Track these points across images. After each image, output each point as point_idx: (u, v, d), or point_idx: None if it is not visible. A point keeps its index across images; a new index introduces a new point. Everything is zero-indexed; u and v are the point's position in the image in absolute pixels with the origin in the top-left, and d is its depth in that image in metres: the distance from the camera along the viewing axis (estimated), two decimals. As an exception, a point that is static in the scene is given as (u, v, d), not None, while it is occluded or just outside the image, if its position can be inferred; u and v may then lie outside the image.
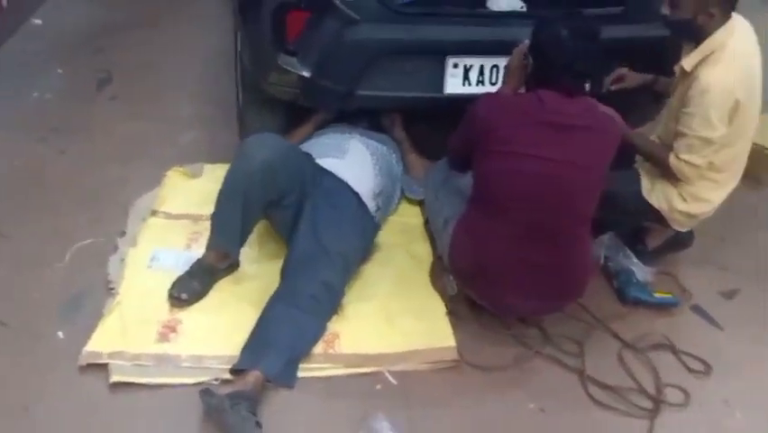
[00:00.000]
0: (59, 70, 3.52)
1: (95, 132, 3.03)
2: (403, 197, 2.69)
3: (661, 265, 2.48)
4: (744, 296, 2.44)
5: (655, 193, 2.26)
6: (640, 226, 2.52)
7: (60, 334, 2.02)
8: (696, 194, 2.21)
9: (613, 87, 2.36)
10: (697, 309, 2.36)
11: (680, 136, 2.13)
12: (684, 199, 2.22)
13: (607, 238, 2.49)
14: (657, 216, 2.30)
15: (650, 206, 2.27)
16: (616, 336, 2.21)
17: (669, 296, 2.34)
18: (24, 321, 2.05)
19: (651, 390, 2.03)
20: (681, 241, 2.47)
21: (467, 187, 2.11)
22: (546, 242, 1.97)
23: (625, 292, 2.34)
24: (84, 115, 3.15)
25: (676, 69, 2.19)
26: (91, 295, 2.15)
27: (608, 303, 2.34)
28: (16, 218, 2.46)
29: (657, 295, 2.34)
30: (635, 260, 2.43)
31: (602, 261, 2.45)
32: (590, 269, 2.12)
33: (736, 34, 2.09)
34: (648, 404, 1.99)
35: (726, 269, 2.54)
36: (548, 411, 1.95)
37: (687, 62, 2.12)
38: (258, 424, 1.71)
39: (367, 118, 2.71)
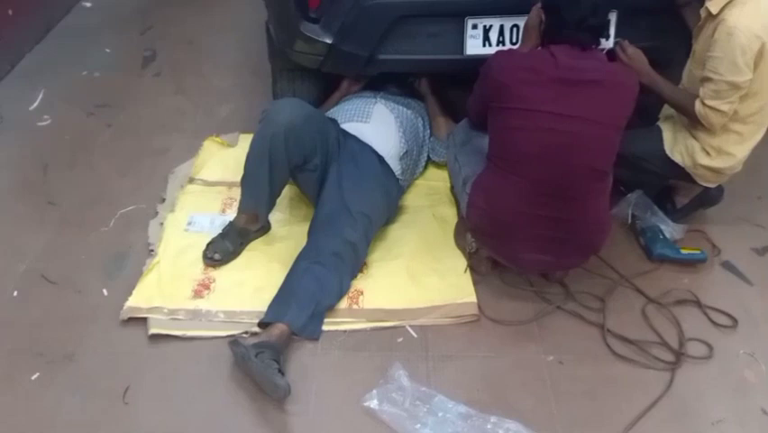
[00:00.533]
0: (107, 49, 3.69)
1: (139, 106, 3.18)
2: (430, 160, 2.72)
3: (691, 223, 2.45)
4: (778, 252, 2.39)
5: (678, 149, 2.23)
6: (667, 185, 2.48)
7: (105, 291, 2.17)
8: (719, 147, 2.17)
9: None
10: (727, 265, 2.33)
11: (706, 81, 2.08)
12: (708, 153, 2.18)
13: (634, 196, 2.48)
14: (682, 173, 2.27)
15: (674, 162, 2.25)
16: (640, 291, 2.21)
17: (697, 252, 2.32)
18: (72, 280, 2.21)
19: (673, 343, 2.03)
20: (709, 197, 2.42)
21: (486, 147, 2.14)
22: (560, 197, 1.98)
23: (651, 249, 2.33)
24: (129, 90, 3.31)
25: (702, 11, 2.13)
26: (133, 256, 2.30)
27: (635, 260, 2.34)
28: (65, 187, 2.63)
29: (684, 251, 2.31)
30: (663, 216, 2.40)
31: (629, 219, 2.44)
32: (607, 225, 2.11)
33: None
34: (670, 357, 1.99)
35: (762, 226, 2.49)
36: (566, 363, 1.98)
37: (713, 4, 2.07)
38: (280, 371, 1.81)
39: (394, 83, 2.74)
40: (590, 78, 1.93)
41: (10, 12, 3.40)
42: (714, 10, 2.06)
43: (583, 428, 1.81)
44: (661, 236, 2.35)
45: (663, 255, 2.31)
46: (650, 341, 2.04)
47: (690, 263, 2.31)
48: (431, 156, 2.70)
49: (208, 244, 2.25)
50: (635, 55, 2.16)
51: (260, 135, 2.20)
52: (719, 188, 2.38)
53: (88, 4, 4.20)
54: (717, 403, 1.88)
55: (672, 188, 2.47)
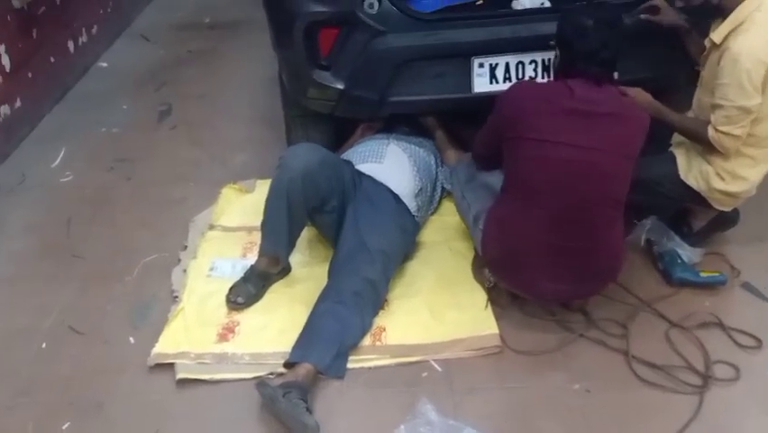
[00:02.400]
0: (124, 106, 3.81)
1: (157, 158, 3.27)
2: (444, 195, 2.77)
3: (708, 246, 2.47)
4: (798, 272, 2.39)
5: (693, 174, 2.26)
6: (683, 209, 2.50)
7: (131, 339, 2.21)
8: (733, 171, 2.20)
9: (643, 17, 2.30)
10: (747, 286, 2.33)
11: (717, 108, 2.12)
12: (722, 178, 2.21)
13: (649, 222, 2.50)
14: (697, 198, 2.29)
15: (688, 187, 2.27)
16: (662, 316, 2.21)
17: (716, 274, 2.33)
18: (98, 330, 2.25)
19: (699, 366, 2.02)
20: (726, 220, 2.44)
21: (492, 182, 2.18)
22: (576, 227, 2.01)
23: (670, 273, 2.34)
24: (147, 144, 3.40)
25: (706, 42, 2.20)
26: (157, 304, 2.34)
27: (654, 285, 2.35)
28: (88, 240, 2.69)
29: (704, 274, 2.32)
30: (680, 241, 2.42)
31: (643, 244, 2.46)
32: (622, 252, 2.14)
33: (764, 6, 2.09)
34: (697, 380, 1.99)
35: (781, 246, 2.50)
36: (593, 391, 1.98)
37: (716, 35, 2.13)
38: (308, 409, 1.82)
39: (405, 124, 2.81)
40: (605, 110, 1.99)
41: (29, 75, 3.53)
42: (717, 39, 2.12)
43: (615, 456, 1.80)
44: (679, 260, 2.36)
45: (683, 279, 2.32)
46: (676, 365, 2.04)
47: (711, 286, 2.31)
48: (444, 186, 2.74)
49: (231, 289, 2.28)
50: (637, 95, 2.21)
51: (278, 180, 2.26)
52: (735, 211, 2.40)
53: (104, 65, 4.36)
54: (747, 424, 1.87)
55: (688, 212, 2.49)
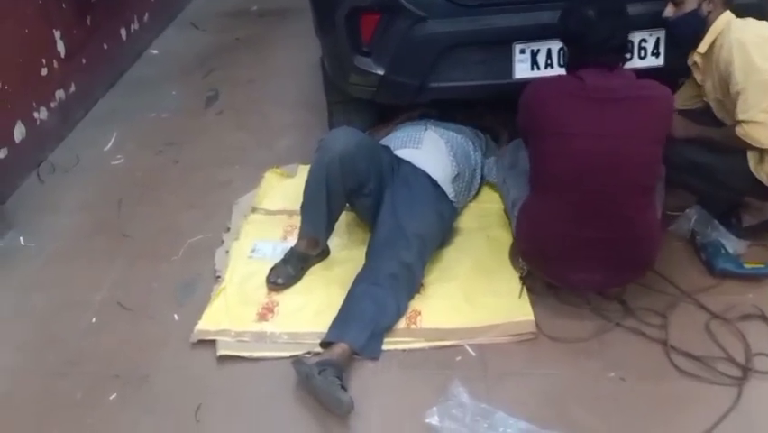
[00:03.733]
0: (173, 92, 3.92)
1: (203, 143, 3.36)
2: (484, 182, 2.77)
3: (754, 238, 2.40)
4: None
5: (764, 168, 2.16)
6: (739, 202, 2.43)
7: (175, 316, 2.29)
8: None
9: (671, 16, 2.23)
10: (793, 278, 2.27)
11: (736, 100, 2.08)
12: None
13: (694, 212, 2.45)
14: (763, 193, 2.22)
15: (757, 181, 2.18)
16: (702, 307, 2.17)
17: (761, 266, 2.27)
18: (145, 306, 2.34)
19: (740, 358, 1.99)
20: None
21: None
22: (605, 217, 1.99)
23: (713, 264, 2.29)
24: (194, 129, 3.50)
25: (689, 62, 2.24)
26: (201, 283, 2.42)
27: (696, 276, 2.30)
28: (137, 221, 2.79)
29: (747, 266, 2.27)
30: (725, 231, 2.37)
31: (689, 235, 2.42)
32: (657, 238, 2.10)
33: (735, 20, 2.14)
34: (737, 372, 1.95)
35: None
36: (629, 380, 1.96)
37: (701, 47, 2.17)
38: (343, 387, 1.86)
39: (443, 110, 2.81)
40: (621, 95, 1.96)
41: (83, 61, 3.66)
42: (703, 49, 2.16)
43: (648, 445, 1.79)
44: (722, 251, 2.31)
45: (726, 270, 2.27)
46: (715, 357, 2.00)
47: (755, 278, 2.26)
48: (486, 177, 2.74)
49: (271, 270, 2.34)
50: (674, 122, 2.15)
51: (317, 164, 2.30)
52: None
53: (155, 51, 4.48)
54: (788, 418, 1.83)
55: (741, 205, 2.42)
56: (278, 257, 2.39)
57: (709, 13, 2.16)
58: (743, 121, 2.07)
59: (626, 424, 1.84)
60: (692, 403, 1.89)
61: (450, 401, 1.88)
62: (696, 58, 2.23)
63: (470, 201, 2.70)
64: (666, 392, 1.92)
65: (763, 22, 2.17)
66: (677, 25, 2.22)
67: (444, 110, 2.79)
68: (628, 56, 2.05)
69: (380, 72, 2.53)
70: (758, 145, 2.09)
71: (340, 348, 1.99)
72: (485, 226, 2.58)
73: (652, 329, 2.11)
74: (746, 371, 1.94)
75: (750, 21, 2.15)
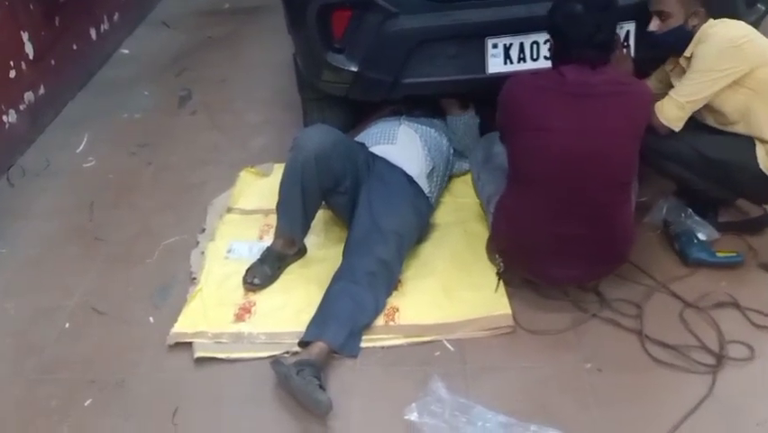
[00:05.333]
0: (145, 92, 3.87)
1: (177, 143, 3.32)
2: (458, 175, 2.77)
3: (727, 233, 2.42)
4: (818, 251, 2.35)
5: None
6: (727, 201, 2.44)
7: (151, 319, 2.26)
8: None
9: (657, 29, 2.23)
10: (764, 266, 2.29)
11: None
12: None
13: (667, 202, 2.48)
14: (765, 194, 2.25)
15: (765, 181, 2.20)
16: (676, 296, 2.20)
17: (733, 254, 2.30)
18: (120, 310, 2.31)
19: (713, 346, 2.01)
20: (757, 224, 2.41)
21: (506, 164, 2.18)
22: (582, 213, 2.00)
23: (686, 254, 2.31)
24: (168, 129, 3.46)
25: (667, 68, 2.30)
26: (177, 285, 2.39)
27: (670, 266, 2.33)
28: (111, 224, 2.76)
29: (720, 255, 2.30)
30: (698, 218, 2.39)
31: (662, 225, 2.44)
32: (632, 233, 2.12)
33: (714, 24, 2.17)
34: (711, 360, 1.97)
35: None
36: (605, 371, 1.98)
37: (687, 51, 2.18)
38: (321, 387, 1.85)
39: (416, 105, 2.80)
40: (599, 90, 1.97)
41: (53, 62, 3.60)
42: (688, 53, 2.17)
43: (625, 434, 1.80)
44: (695, 240, 2.33)
45: (699, 259, 2.29)
46: (689, 345, 2.02)
47: (727, 266, 2.29)
48: (458, 166, 2.75)
49: (248, 270, 2.32)
50: (620, 59, 2.18)
51: (292, 162, 2.29)
52: (767, 215, 2.38)
53: (126, 51, 4.42)
54: (760, 404, 1.85)
55: (720, 202, 2.44)
56: (255, 257, 2.38)
57: (694, 26, 2.16)
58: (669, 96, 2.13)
59: (603, 414, 1.85)
60: (668, 392, 1.91)
61: (429, 397, 1.87)
62: (682, 62, 2.22)
63: (446, 196, 2.70)
64: (642, 382, 1.94)
65: (740, 22, 2.19)
66: (663, 40, 2.21)
67: (414, 106, 2.79)
68: (612, 53, 2.05)
69: (353, 69, 2.52)
70: (656, 119, 2.14)
71: (318, 347, 1.98)
72: (462, 221, 2.58)
73: (627, 319, 2.13)
74: (720, 358, 1.97)
75: (728, 21, 2.17)
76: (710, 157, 2.19)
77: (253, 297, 2.28)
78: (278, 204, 2.35)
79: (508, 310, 2.16)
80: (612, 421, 1.83)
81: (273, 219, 2.44)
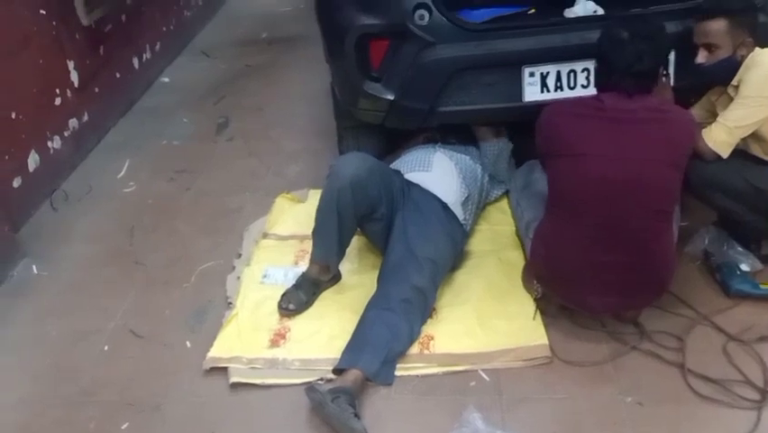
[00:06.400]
0: (185, 120, 3.97)
1: (215, 170, 3.39)
2: (493, 202, 2.77)
3: (771, 258, 2.38)
4: None
5: None
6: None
7: (188, 343, 2.29)
8: None
9: (705, 61, 2.20)
10: (811, 299, 2.24)
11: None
12: None
13: (708, 232, 2.44)
14: None
15: None
16: (719, 329, 2.15)
17: (777, 286, 2.24)
18: (157, 333, 2.34)
19: (758, 381, 1.96)
20: None
21: (546, 190, 2.17)
22: (619, 242, 1.98)
23: (728, 285, 2.27)
24: (206, 155, 3.53)
25: (712, 97, 2.27)
26: (213, 309, 2.42)
27: (712, 298, 2.28)
28: (149, 248, 2.81)
29: (763, 286, 2.24)
30: (741, 249, 2.34)
31: (702, 255, 2.40)
32: (673, 262, 2.09)
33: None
34: (755, 395, 1.92)
35: None
36: (646, 405, 1.93)
37: (734, 80, 2.16)
38: (356, 415, 1.84)
39: (452, 133, 2.82)
40: (640, 117, 1.96)
41: (96, 90, 3.72)
42: (735, 82, 2.15)
43: (668, 471, 1.76)
44: (738, 272, 2.29)
45: (742, 291, 2.25)
46: (733, 379, 1.97)
47: (771, 299, 2.23)
48: (492, 194, 2.75)
49: (283, 295, 2.34)
50: (660, 87, 2.16)
51: (328, 189, 2.31)
52: None
53: (167, 80, 4.55)
54: (809, 443, 1.79)
55: (762, 233, 2.38)
56: (290, 282, 2.40)
57: (742, 56, 2.15)
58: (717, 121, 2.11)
59: (644, 450, 1.81)
60: (711, 427, 1.86)
61: (464, 428, 1.86)
62: (729, 90, 2.20)
63: (482, 225, 2.70)
64: (684, 416, 1.90)
65: None
66: (712, 72, 2.19)
67: (449, 134, 2.80)
68: (654, 84, 2.03)
69: (390, 97, 2.54)
70: (704, 144, 2.12)
71: (353, 375, 1.98)
72: (497, 249, 2.57)
73: (668, 352, 2.09)
74: (765, 394, 1.91)
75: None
76: (761, 188, 2.15)
77: (288, 322, 2.29)
78: (314, 230, 2.37)
79: (545, 340, 2.13)
80: (653, 457, 1.79)
81: (308, 245, 2.46)
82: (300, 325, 2.28)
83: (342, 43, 2.51)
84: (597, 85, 2.12)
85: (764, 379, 1.96)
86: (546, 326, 2.19)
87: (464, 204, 2.52)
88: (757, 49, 2.15)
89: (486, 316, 2.25)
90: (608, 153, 1.94)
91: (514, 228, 2.65)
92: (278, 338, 2.22)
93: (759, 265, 2.33)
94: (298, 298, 2.32)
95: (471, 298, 2.33)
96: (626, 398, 1.96)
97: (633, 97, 1.98)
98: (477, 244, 2.61)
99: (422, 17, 2.43)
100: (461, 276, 2.45)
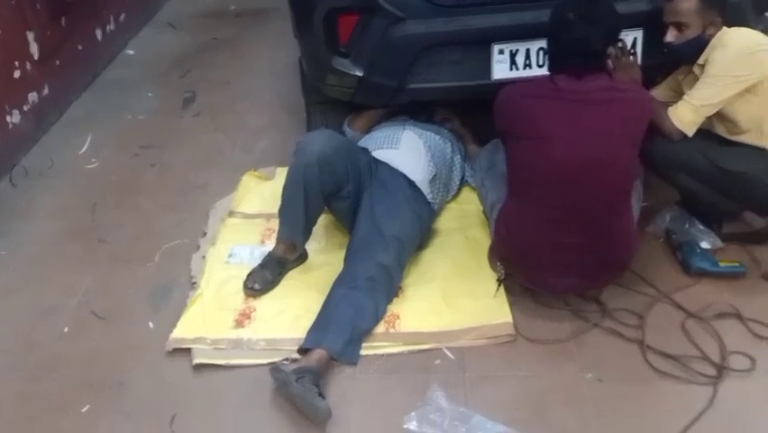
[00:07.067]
0: (149, 93, 3.87)
1: (180, 145, 3.32)
2: (464, 184, 2.77)
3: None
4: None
5: None
6: (734, 212, 2.43)
7: (151, 324, 2.26)
8: None
9: (674, 40, 2.21)
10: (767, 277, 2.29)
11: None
12: None
13: (670, 210, 2.47)
14: None
15: None
16: (679, 306, 2.19)
17: (736, 264, 2.29)
18: (120, 313, 2.31)
19: (715, 357, 2.00)
20: (761, 235, 2.40)
21: (510, 172, 2.17)
22: (578, 222, 1.99)
23: (689, 263, 2.30)
24: (171, 131, 3.46)
25: (679, 77, 2.29)
26: (177, 289, 2.39)
27: (672, 275, 2.32)
28: (113, 225, 2.76)
29: (723, 264, 2.29)
30: (702, 227, 2.38)
31: (664, 233, 2.43)
32: (634, 241, 2.11)
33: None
34: (712, 371, 1.96)
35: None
36: (606, 381, 1.97)
37: (701, 59, 2.18)
38: (320, 394, 1.85)
39: (422, 110, 2.80)
40: (596, 97, 1.96)
41: (57, 62, 3.60)
42: (702, 60, 2.17)
43: (625, 446, 1.79)
44: (698, 250, 2.33)
45: (702, 269, 2.28)
46: (691, 356, 2.01)
47: (730, 276, 2.27)
48: (467, 180, 2.74)
49: (248, 275, 2.32)
50: (627, 66, 2.18)
51: (295, 166, 2.28)
52: None
53: (131, 52, 4.43)
54: (761, 415, 1.85)
55: (724, 213, 2.42)
56: (256, 262, 2.37)
57: (710, 35, 2.16)
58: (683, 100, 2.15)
59: (603, 425, 1.84)
60: (669, 403, 1.89)
61: (428, 406, 1.88)
62: (695, 69, 2.21)
63: (450, 202, 2.70)
64: (643, 392, 1.93)
65: (755, 31, 2.20)
66: (680, 51, 2.20)
67: (420, 111, 2.78)
68: (604, 63, 2.03)
69: (358, 73, 2.51)
70: (669, 123, 2.15)
71: (317, 354, 1.98)
72: (464, 227, 2.57)
73: (629, 330, 2.12)
74: (722, 370, 1.96)
75: (743, 29, 2.18)
76: (726, 168, 2.18)
77: (253, 302, 2.27)
78: (281, 208, 2.35)
79: (509, 319, 2.15)
80: (611, 432, 1.82)
81: (275, 224, 2.44)
82: (266, 305, 2.26)
83: (311, 17, 2.47)
84: (549, 66, 2.10)
85: (721, 355, 2.00)
86: (510, 304, 2.21)
87: (432, 182, 2.52)
88: (725, 28, 2.17)
89: (452, 294, 2.26)
90: (566, 135, 1.95)
91: (481, 207, 2.64)
92: (243, 318, 2.21)
93: (719, 243, 2.37)
94: (264, 277, 2.31)
95: (437, 276, 2.33)
96: (587, 374, 1.99)
97: (583, 78, 1.98)
98: (444, 222, 2.61)
99: (392, -9, 2.39)
100: (428, 255, 2.45)
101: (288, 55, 3.91)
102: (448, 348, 2.10)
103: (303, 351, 2.04)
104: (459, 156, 2.75)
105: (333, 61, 2.52)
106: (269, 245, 2.44)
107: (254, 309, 2.24)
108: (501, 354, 2.08)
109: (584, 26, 1.96)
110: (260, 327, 2.17)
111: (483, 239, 2.48)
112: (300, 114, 3.15)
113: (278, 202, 2.36)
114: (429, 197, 2.49)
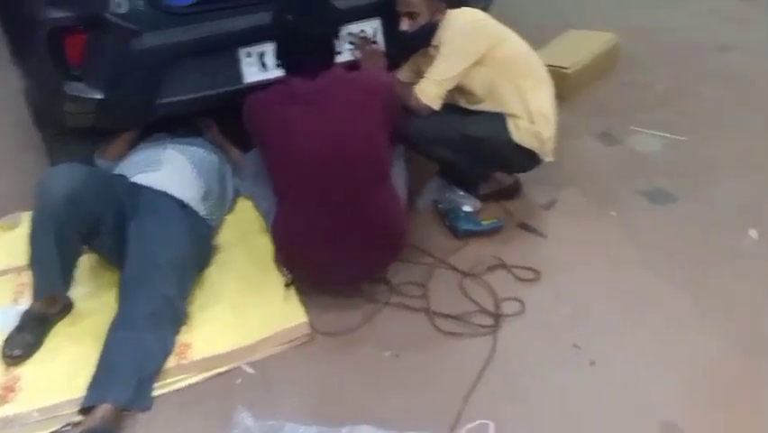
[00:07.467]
0: None
1: None
2: (238, 194, 2.69)
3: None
4: (561, 203, 2.67)
5: (520, 133, 2.39)
6: (483, 175, 2.64)
7: None
8: (540, 109, 2.38)
9: (407, 28, 2.38)
10: (522, 226, 2.55)
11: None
12: (533, 122, 2.37)
13: (434, 181, 2.64)
14: (528, 157, 2.44)
15: (517, 150, 2.40)
16: (454, 268, 2.35)
17: (495, 220, 2.52)
18: None
19: (491, 308, 2.18)
20: (511, 191, 2.68)
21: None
22: (347, 213, 2.04)
23: (456, 227, 2.49)
24: None
25: (422, 56, 2.47)
26: None
27: (444, 241, 2.49)
28: None
29: (485, 222, 2.51)
30: (462, 192, 2.59)
31: (431, 204, 2.60)
32: (403, 218, 2.21)
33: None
34: (490, 321, 2.14)
35: (544, 184, 2.74)
36: (403, 355, 2.05)
37: (434, 40, 2.38)
38: (115, 454, 1.68)
39: (182, 126, 2.66)
40: (331, 93, 2.00)
41: None
42: (436, 42, 2.37)
43: (428, 410, 1.86)
44: (462, 214, 2.52)
45: (468, 231, 2.48)
46: (471, 311, 2.17)
47: (492, 232, 2.50)
48: (239, 189, 2.67)
49: (5, 342, 2.03)
50: (371, 55, 2.30)
51: (39, 209, 2.04)
52: (517, 183, 2.67)
53: None
54: (535, 349, 2.04)
55: (475, 179, 2.63)
56: (12, 325, 2.09)
57: (438, 19, 2.36)
58: (425, 78, 2.32)
59: (404, 398, 1.91)
60: (457, 360, 2.02)
61: (236, 430, 1.80)
62: (431, 51, 2.40)
63: (227, 214, 2.61)
64: (434, 356, 2.04)
65: (475, 9, 2.44)
66: (415, 37, 2.39)
67: (175, 128, 2.64)
68: (332, 58, 2.08)
69: (97, 96, 2.30)
70: (416, 101, 2.32)
71: (102, 411, 1.79)
72: (245, 238, 2.50)
73: (415, 300, 2.23)
74: (498, 317, 2.14)
75: (465, 9, 2.41)
76: (471, 135, 2.37)
77: (16, 371, 1.99)
78: (31, 260, 2.08)
79: (304, 318, 2.14)
80: (414, 402, 1.90)
81: (28, 277, 2.16)
82: (32, 370, 2.00)
83: (31, 41, 2.19)
84: (285, 69, 2.11)
85: (495, 304, 2.19)
86: (304, 303, 2.20)
87: (204, 198, 2.40)
88: (449, 11, 2.38)
89: (242, 309, 2.18)
90: (312, 134, 1.97)
91: (259, 212, 2.60)
92: (6, 393, 1.93)
93: (479, 204, 2.60)
94: (24, 340, 2.03)
95: (225, 294, 2.25)
96: (385, 353, 2.06)
97: (318, 75, 2.02)
98: (224, 236, 2.51)
99: (119, 5, 2.22)
100: (213, 274, 2.34)
101: (11, 83, 3.49)
102: (248, 364, 2.03)
103: (86, 411, 1.83)
104: (229, 165, 2.66)
105: (66, 87, 2.28)
106: (25, 303, 2.16)
107: (19, 379, 1.97)
108: (301, 356, 2.06)
109: (303, 26, 1.98)
110: (29, 398, 1.91)
111: (266, 245, 2.42)
112: (40, 149, 2.82)
113: (28, 253, 2.09)
114: (204, 213, 2.37)
